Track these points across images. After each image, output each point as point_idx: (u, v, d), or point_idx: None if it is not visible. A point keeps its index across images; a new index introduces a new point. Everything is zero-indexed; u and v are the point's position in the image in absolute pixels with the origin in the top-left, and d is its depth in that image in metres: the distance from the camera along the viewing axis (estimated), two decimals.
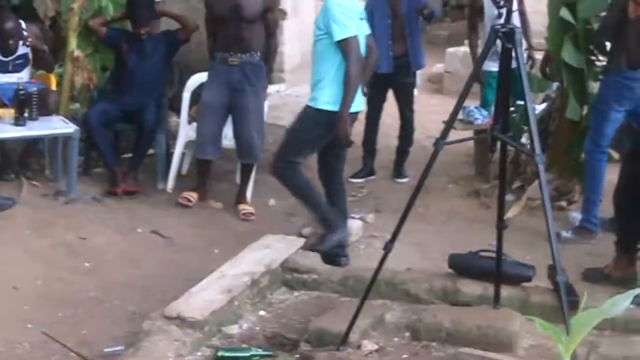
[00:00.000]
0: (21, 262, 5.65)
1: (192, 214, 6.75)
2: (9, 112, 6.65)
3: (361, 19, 5.65)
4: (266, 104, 7.10)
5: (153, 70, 7.19)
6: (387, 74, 7.42)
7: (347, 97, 5.47)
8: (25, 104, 6.57)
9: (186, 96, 7.14)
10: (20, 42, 6.94)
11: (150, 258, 5.95)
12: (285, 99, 9.13)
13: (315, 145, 5.74)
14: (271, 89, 8.24)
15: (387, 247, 4.26)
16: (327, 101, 5.54)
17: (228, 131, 6.83)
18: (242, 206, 6.81)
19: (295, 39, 9.83)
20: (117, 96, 7.20)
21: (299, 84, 9.63)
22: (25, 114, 6.57)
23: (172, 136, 7.33)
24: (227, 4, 6.61)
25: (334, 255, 5.59)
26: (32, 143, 7.10)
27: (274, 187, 7.27)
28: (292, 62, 9.80)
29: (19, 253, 5.77)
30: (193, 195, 6.85)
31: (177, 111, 7.33)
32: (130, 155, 7.20)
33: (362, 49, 5.57)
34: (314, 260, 5.34)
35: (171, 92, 7.67)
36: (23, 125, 6.57)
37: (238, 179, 7.04)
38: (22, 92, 6.57)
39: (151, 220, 6.56)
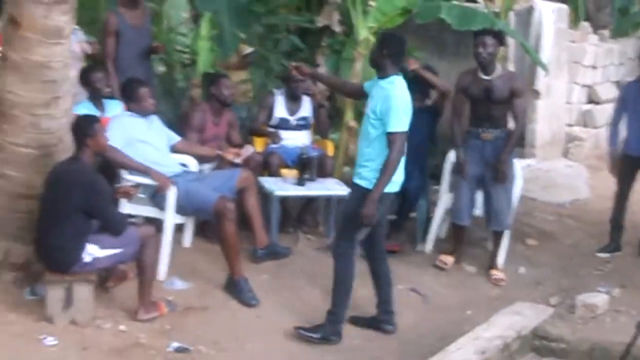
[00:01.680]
0: (293, 309, 6.28)
1: (447, 275, 7.22)
2: (292, 173, 7.47)
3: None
4: (521, 177, 7.49)
5: (419, 140, 7.44)
6: (638, 156, 7.67)
7: (381, 182, 5.73)
8: (306, 167, 7.35)
9: (447, 167, 7.54)
10: (304, 96, 7.86)
11: (408, 313, 6.44)
12: (535, 172, 9.42)
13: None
14: (522, 163, 8.51)
15: None
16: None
17: (478, 200, 7.28)
18: (493, 272, 7.24)
19: (546, 117, 10.13)
20: None
21: (548, 159, 10.02)
22: (306, 176, 7.33)
23: (432, 202, 7.79)
24: (479, 87, 7.12)
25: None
26: (310, 201, 7.82)
27: (524, 255, 7.72)
28: (543, 139, 10.10)
29: (293, 300, 6.42)
30: (449, 259, 7.34)
31: (438, 179, 7.80)
32: (393, 217, 7.58)
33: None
34: (563, 330, 5.67)
35: (434, 161, 8.14)
36: (303, 185, 7.32)
37: (490, 246, 7.48)
38: (304, 156, 7.37)
39: (409, 278, 7.02)
